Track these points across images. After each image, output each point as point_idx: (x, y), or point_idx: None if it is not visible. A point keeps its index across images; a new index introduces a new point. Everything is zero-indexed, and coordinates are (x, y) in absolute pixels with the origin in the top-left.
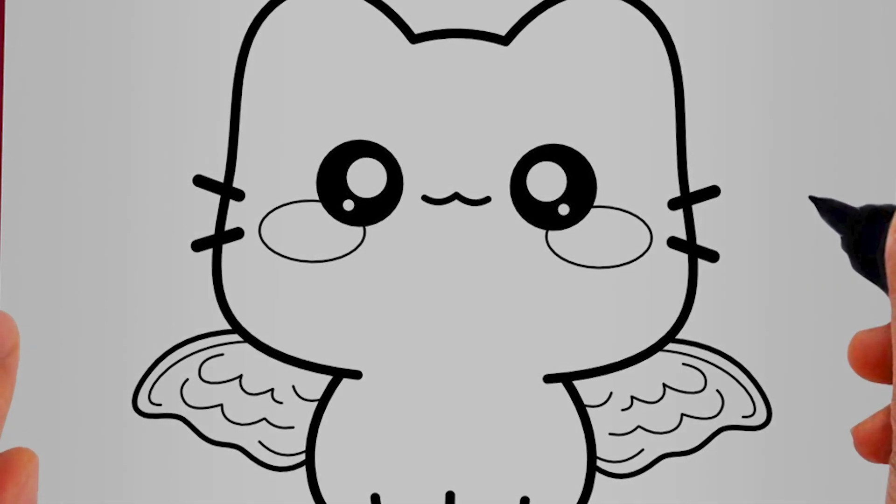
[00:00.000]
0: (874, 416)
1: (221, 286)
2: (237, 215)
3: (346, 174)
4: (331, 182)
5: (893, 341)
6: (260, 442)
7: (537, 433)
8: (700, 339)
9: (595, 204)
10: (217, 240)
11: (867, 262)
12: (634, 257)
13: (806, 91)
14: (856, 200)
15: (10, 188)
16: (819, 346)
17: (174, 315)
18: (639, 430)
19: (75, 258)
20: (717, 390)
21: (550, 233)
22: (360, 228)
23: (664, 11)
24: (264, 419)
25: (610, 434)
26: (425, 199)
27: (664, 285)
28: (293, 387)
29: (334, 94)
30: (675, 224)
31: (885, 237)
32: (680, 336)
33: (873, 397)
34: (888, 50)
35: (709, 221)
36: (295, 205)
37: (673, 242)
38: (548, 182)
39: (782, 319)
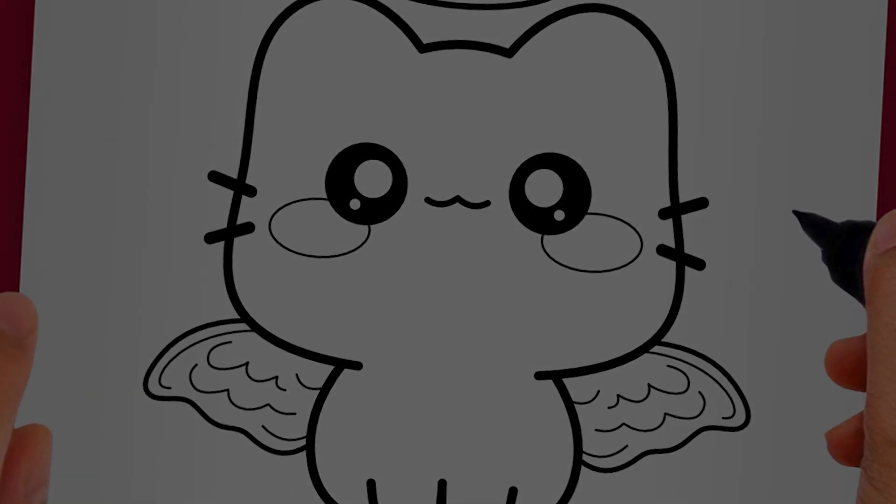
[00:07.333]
0: (848, 421)
1: (232, 277)
2: (249, 210)
3: (353, 175)
4: (339, 182)
5: (868, 351)
6: (263, 426)
7: (527, 427)
8: (685, 342)
9: (589, 211)
10: (229, 233)
11: (846, 275)
12: (625, 263)
13: (792, 110)
14: (837, 215)
15: (34, 181)
16: (798, 353)
17: (186, 303)
18: (624, 427)
19: (95, 247)
20: (700, 392)
21: (546, 237)
22: (366, 227)
23: (659, 29)
24: (268, 405)
25: (596, 430)
26: (428, 200)
27: (652, 291)
28: (296, 375)
29: (345, 98)
30: (664, 232)
31: (865, 252)
32: (666, 339)
33: (848, 403)
34: (872, 67)
35: (697, 231)
36: (304, 202)
37: (662, 250)
38: (545, 188)
39: (763, 326)
